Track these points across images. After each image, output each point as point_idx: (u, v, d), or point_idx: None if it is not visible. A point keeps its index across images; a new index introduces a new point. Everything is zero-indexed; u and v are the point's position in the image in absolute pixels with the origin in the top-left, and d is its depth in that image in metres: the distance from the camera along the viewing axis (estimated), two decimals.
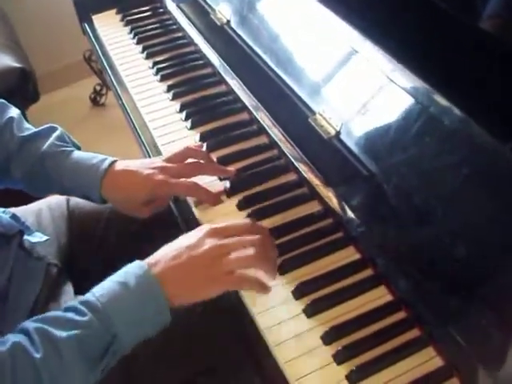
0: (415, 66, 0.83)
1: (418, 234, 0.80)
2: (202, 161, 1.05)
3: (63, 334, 0.74)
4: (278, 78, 1.05)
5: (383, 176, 0.82)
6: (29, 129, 1.09)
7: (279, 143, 1.03)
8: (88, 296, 0.79)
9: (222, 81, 1.24)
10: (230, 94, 1.22)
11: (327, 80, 0.97)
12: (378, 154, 0.84)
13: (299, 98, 0.99)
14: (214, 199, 1.02)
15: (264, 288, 0.84)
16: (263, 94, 1.09)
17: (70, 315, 0.76)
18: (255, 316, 0.84)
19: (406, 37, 0.87)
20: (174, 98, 1.25)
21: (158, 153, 1.14)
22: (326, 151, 0.92)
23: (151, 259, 0.83)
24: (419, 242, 0.80)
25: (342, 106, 0.93)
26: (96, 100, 2.86)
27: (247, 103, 1.13)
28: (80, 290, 1.11)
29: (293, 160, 0.99)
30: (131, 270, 0.81)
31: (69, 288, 1.11)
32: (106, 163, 1.02)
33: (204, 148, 1.10)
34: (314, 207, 0.97)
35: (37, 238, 1.10)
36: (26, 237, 1.07)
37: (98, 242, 1.22)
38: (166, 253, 0.83)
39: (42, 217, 1.20)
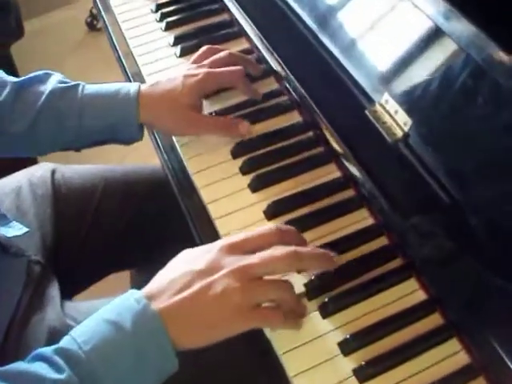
0: None
1: None
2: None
3: None
4: (323, 49, 0.80)
5: (471, 207, 0.60)
6: (18, 76, 0.91)
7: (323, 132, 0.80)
8: (67, 341, 0.60)
9: (244, 34, 1.00)
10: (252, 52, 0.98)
11: (395, 58, 0.73)
12: (468, 172, 0.61)
13: (353, 79, 0.75)
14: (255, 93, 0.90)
15: (297, 325, 0.67)
16: (302, 68, 0.85)
17: (41, 369, 0.57)
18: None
19: None
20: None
21: None
22: (387, 159, 0.69)
23: (151, 289, 0.64)
24: None
25: (414, 94, 0.69)
26: (93, 24, 2.62)
27: (277, 69, 0.89)
28: (66, 289, 0.95)
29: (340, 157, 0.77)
30: (125, 304, 0.62)
31: (54, 289, 0.93)
32: (135, 84, 0.87)
33: None
34: (364, 219, 0.76)
35: (15, 230, 0.91)
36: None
37: (88, 229, 1.03)
38: (171, 280, 0.64)
39: (21, 197, 1.01)
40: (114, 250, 1.05)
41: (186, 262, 0.65)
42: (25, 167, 1.08)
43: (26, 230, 0.91)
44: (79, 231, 1.02)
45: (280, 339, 0.67)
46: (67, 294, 0.95)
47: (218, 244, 0.65)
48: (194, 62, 0.90)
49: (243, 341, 0.65)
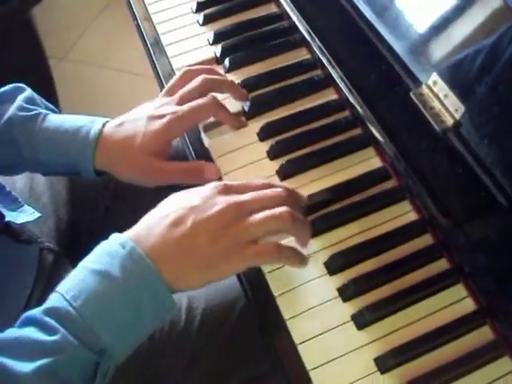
0: None
1: None
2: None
3: (26, 367, 0.52)
4: (358, 14, 0.71)
5: None
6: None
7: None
8: (55, 299, 0.56)
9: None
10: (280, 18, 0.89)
11: (446, 29, 0.63)
12: None
13: (394, 53, 0.65)
14: (237, 121, 0.78)
15: (302, 259, 0.63)
16: (334, 37, 0.75)
17: (33, 334, 0.54)
18: None
19: None
20: None
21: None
22: (434, 151, 0.60)
23: (138, 229, 0.60)
24: None
25: (468, 75, 0.59)
26: None
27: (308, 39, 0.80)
28: None
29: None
30: (110, 251, 0.58)
31: None
32: (99, 123, 0.76)
33: None
34: (406, 213, 0.67)
35: (26, 215, 0.83)
36: (10, 214, 0.81)
37: (107, 209, 0.97)
38: (161, 216, 0.60)
39: (36, 178, 0.95)
40: None
41: (177, 199, 0.62)
42: None
43: (37, 215, 0.84)
44: (97, 212, 0.96)
45: (309, 353, 0.60)
46: None
47: (212, 183, 0.62)
48: (167, 92, 0.78)
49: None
